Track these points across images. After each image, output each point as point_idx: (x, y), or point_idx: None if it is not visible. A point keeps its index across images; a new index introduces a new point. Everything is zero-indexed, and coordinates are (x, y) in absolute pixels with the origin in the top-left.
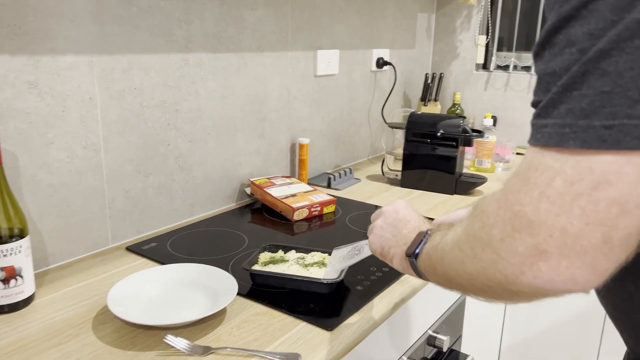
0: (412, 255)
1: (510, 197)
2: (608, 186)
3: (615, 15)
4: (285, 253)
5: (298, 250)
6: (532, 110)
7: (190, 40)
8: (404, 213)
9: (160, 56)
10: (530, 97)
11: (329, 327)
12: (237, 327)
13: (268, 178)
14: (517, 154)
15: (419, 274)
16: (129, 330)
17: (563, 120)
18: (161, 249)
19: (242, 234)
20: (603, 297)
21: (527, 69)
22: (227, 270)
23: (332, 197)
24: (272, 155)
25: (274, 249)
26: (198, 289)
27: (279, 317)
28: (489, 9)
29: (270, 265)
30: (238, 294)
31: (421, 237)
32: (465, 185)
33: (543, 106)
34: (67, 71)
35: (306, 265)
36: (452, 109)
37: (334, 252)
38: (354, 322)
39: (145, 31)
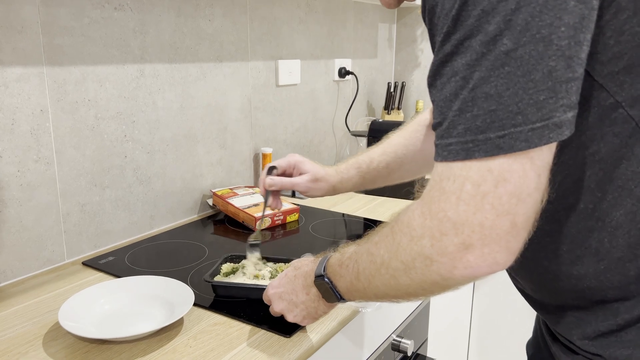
0: (320, 275)
1: (434, 207)
2: (505, 182)
3: (484, 48)
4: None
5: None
6: None
7: (146, 51)
8: (294, 267)
9: (115, 67)
10: None
11: (288, 334)
12: (193, 338)
13: (230, 188)
14: None
15: (336, 295)
16: (81, 346)
17: (464, 137)
18: (119, 263)
19: (203, 245)
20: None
21: None
22: (186, 282)
23: (295, 206)
24: (234, 166)
25: (236, 259)
26: (154, 301)
27: (237, 326)
28: None
29: (232, 275)
30: (198, 305)
31: (324, 259)
32: None
33: (445, 128)
34: (15, 83)
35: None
36: None
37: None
38: (314, 328)
39: (98, 42)
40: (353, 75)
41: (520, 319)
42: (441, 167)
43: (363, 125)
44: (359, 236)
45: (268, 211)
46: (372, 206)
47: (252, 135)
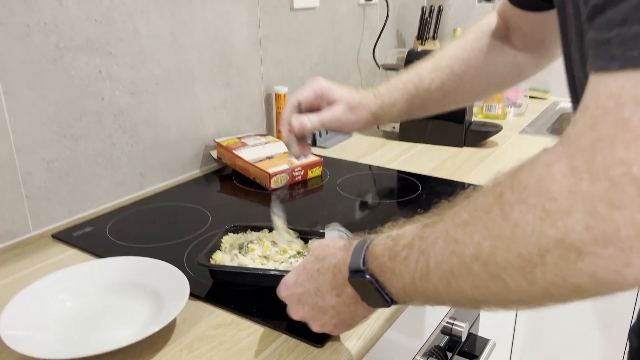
0: (358, 270)
1: (601, 158)
2: None
3: None
4: (260, 233)
5: (271, 230)
6: None
7: None
8: (315, 256)
9: None
10: None
11: (319, 342)
12: (188, 348)
13: (238, 138)
14: (530, 97)
15: (385, 298)
16: None
17: None
18: (98, 235)
19: (205, 209)
20: None
21: None
22: (181, 261)
23: (318, 158)
24: (242, 110)
25: (240, 230)
26: (136, 293)
27: (248, 328)
28: None
29: (236, 251)
30: (196, 296)
31: (361, 245)
32: (477, 136)
33: (633, 7)
34: None
35: (284, 255)
36: None
37: (327, 233)
38: (354, 330)
39: None
40: None
41: None
42: (615, 83)
43: (393, 59)
44: (392, 193)
45: (295, 160)
46: (410, 155)
47: (263, 71)
